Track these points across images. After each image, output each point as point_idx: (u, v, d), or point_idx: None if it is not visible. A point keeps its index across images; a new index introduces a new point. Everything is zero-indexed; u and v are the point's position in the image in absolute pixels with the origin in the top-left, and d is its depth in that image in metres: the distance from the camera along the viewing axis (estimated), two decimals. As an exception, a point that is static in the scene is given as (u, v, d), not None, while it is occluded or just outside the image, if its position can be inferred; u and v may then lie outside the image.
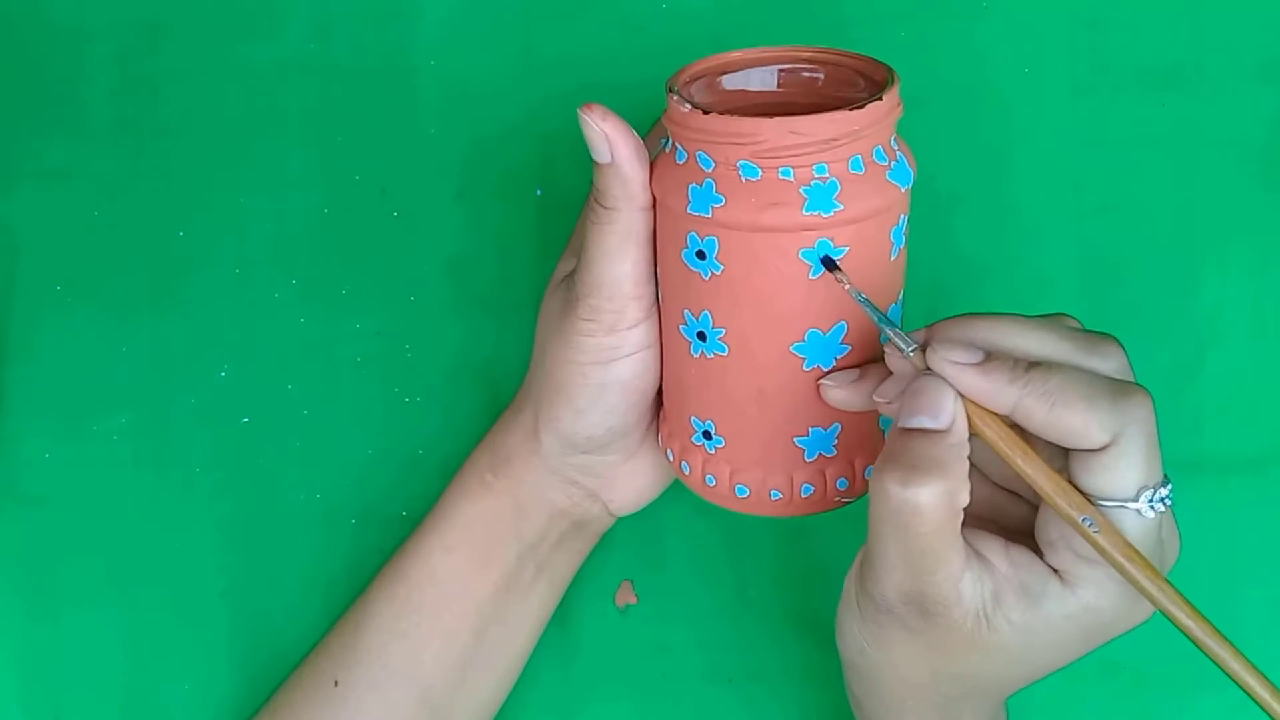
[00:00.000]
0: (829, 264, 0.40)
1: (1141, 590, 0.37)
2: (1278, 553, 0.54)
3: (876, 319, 0.40)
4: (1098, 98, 0.56)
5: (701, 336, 0.42)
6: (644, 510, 0.55)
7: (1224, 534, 0.54)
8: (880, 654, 0.41)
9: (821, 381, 0.42)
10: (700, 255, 0.41)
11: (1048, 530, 0.39)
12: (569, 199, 0.55)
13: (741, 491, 0.44)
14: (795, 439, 0.43)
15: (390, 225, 0.57)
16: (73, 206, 0.58)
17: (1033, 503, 0.41)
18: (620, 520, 0.54)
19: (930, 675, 0.40)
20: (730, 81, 0.44)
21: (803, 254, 0.40)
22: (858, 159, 0.40)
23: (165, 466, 0.57)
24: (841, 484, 0.44)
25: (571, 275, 0.45)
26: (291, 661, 0.55)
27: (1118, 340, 0.40)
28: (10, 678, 0.56)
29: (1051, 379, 0.37)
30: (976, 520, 0.41)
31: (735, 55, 0.44)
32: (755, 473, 0.44)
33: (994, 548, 0.39)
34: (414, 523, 0.55)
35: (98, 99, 0.58)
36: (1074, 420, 0.37)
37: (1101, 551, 0.37)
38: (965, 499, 0.38)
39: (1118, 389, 0.37)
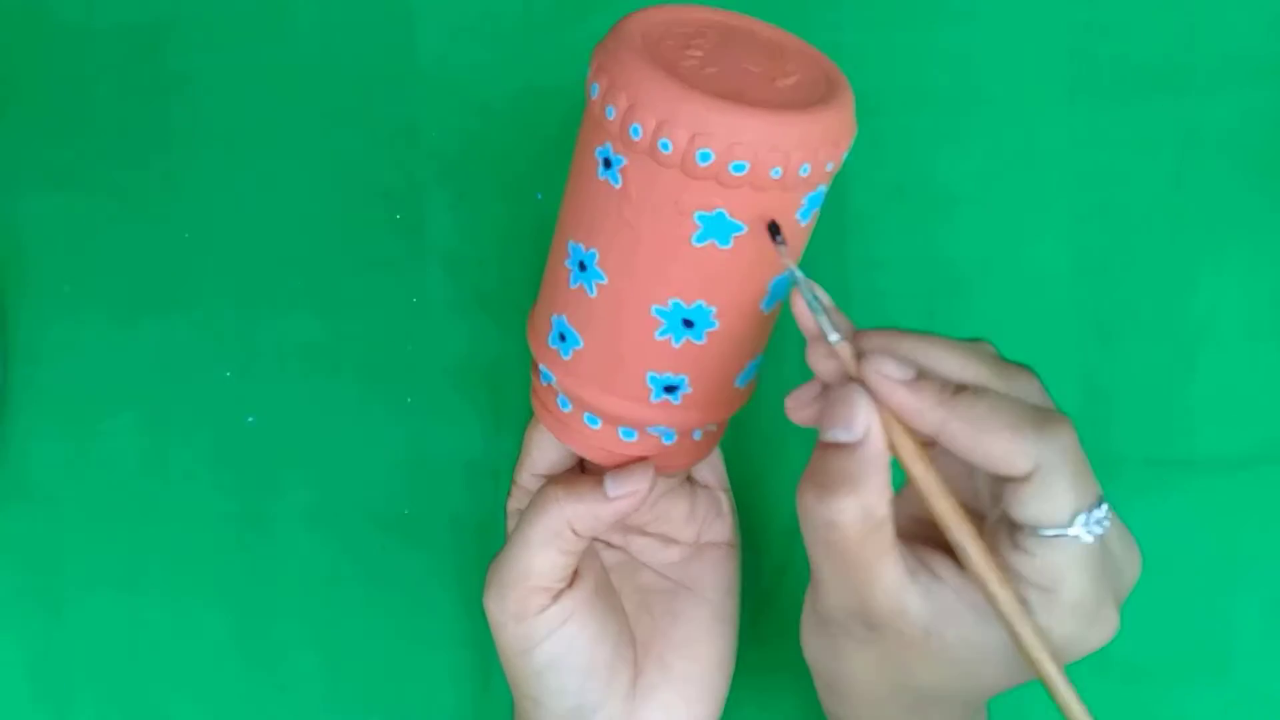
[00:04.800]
0: (774, 231, 0.39)
1: (1021, 648, 0.37)
2: (1272, 552, 0.55)
3: (810, 300, 0.38)
4: (1095, 98, 0.56)
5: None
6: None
7: (1218, 534, 0.55)
8: (838, 665, 0.41)
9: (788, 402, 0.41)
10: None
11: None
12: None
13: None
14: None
15: (390, 226, 0.58)
16: (79, 207, 0.58)
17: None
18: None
19: (889, 687, 0.41)
20: None
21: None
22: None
23: (169, 465, 0.58)
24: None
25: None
26: (292, 661, 0.56)
27: (1034, 370, 0.40)
28: (18, 673, 0.57)
29: (979, 404, 0.37)
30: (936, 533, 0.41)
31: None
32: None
33: (947, 563, 0.39)
34: (414, 522, 0.56)
35: (104, 100, 0.59)
36: (998, 447, 0.36)
37: (994, 608, 0.38)
38: (883, 512, 0.37)
39: (1041, 417, 0.37)
